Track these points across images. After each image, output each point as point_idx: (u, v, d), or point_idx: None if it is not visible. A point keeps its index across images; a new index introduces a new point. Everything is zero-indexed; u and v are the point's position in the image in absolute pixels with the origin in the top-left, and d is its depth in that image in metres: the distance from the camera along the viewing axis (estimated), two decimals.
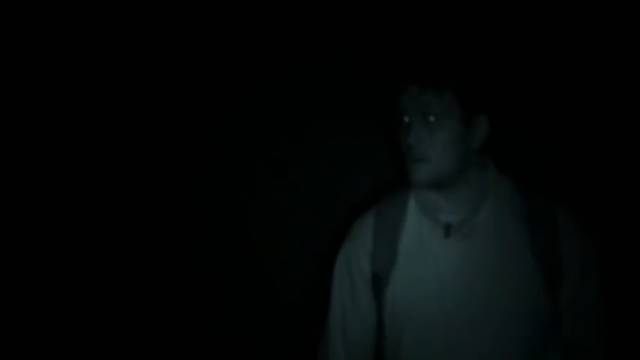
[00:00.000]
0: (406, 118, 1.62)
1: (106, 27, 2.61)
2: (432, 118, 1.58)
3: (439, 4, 2.43)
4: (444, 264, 1.64)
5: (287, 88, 2.59)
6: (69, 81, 2.63)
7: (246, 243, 2.64)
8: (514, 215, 1.65)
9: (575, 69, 2.44)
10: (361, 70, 2.52)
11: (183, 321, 2.65)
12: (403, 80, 1.63)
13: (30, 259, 2.64)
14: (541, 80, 2.44)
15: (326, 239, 2.39)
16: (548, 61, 2.45)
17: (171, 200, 2.66)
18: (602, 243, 1.71)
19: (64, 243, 2.65)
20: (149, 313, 2.65)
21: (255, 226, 2.63)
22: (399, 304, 1.68)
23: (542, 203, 1.67)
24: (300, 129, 2.60)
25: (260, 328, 2.62)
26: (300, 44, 2.56)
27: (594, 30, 2.41)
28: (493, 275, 1.62)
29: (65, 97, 2.64)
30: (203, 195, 2.66)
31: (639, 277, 2.31)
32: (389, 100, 1.68)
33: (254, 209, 2.64)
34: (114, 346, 2.64)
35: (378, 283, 1.70)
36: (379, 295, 1.71)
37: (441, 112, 1.58)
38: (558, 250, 1.63)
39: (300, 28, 2.55)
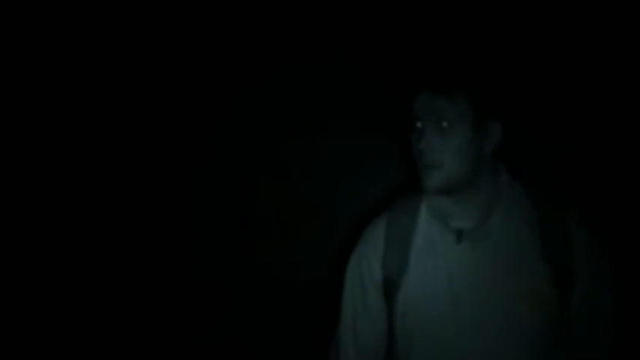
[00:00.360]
0: (418, 124, 1.62)
1: (106, 27, 2.59)
2: (444, 124, 1.58)
3: (452, 9, 2.42)
4: (455, 269, 1.64)
5: (298, 90, 2.58)
6: (68, 81, 2.62)
7: (253, 245, 2.63)
8: (526, 221, 1.66)
9: (587, 75, 2.42)
10: (373, 74, 2.52)
11: (188, 322, 2.64)
12: (416, 86, 1.63)
13: (29, 260, 2.63)
14: (554, 86, 2.43)
15: (336, 243, 2.40)
16: (561, 66, 2.43)
17: (179, 200, 2.64)
18: (614, 248, 1.70)
19: (64, 242, 2.64)
20: (154, 313, 2.65)
21: (264, 229, 2.63)
22: (410, 309, 1.68)
23: (554, 209, 1.67)
24: (310, 131, 2.59)
25: (269, 331, 2.61)
26: (312, 46, 2.55)
27: (610, 35, 2.40)
28: (505, 281, 1.62)
29: (65, 97, 2.62)
30: (211, 196, 2.64)
31: None
32: (401, 105, 1.69)
33: (262, 212, 2.63)
34: (122, 346, 2.64)
35: (390, 287, 1.71)
36: (390, 299, 1.71)
37: (453, 117, 1.58)
38: (570, 255, 1.63)
39: (312, 30, 2.54)
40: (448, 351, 1.64)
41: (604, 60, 2.42)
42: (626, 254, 1.95)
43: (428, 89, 1.60)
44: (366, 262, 1.75)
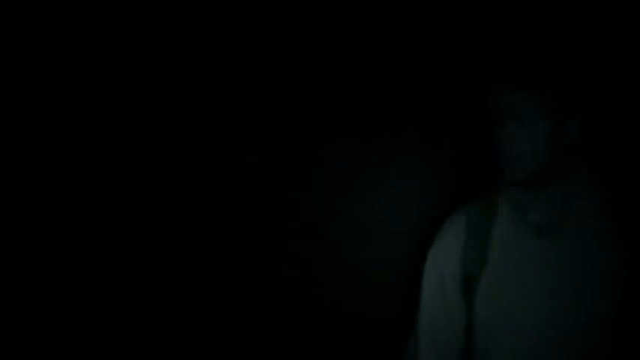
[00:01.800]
0: (499, 118, 1.63)
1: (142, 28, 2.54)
2: (524, 118, 1.59)
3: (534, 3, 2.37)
4: (534, 264, 1.65)
5: (368, 87, 2.56)
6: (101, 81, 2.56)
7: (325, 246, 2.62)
8: (604, 217, 1.66)
9: None
10: (452, 68, 2.48)
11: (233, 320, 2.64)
12: (497, 80, 1.63)
13: (44, 260, 2.56)
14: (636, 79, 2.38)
15: (414, 239, 2.39)
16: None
17: (241, 200, 2.63)
18: None
19: (86, 240, 2.57)
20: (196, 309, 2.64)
21: (335, 227, 2.61)
22: (489, 305, 1.68)
23: (632, 204, 1.67)
24: (383, 126, 2.57)
25: (343, 333, 2.60)
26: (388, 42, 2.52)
27: None
28: (583, 276, 1.62)
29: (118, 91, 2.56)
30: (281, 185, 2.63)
31: None
32: (483, 99, 1.69)
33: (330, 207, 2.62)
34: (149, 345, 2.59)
35: (469, 282, 1.71)
36: (469, 294, 1.71)
37: (533, 111, 1.60)
38: None
39: (376, 24, 2.52)
40: (527, 347, 1.63)
41: None
42: None
43: (509, 83, 1.60)
44: (446, 258, 1.76)
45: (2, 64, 2.53)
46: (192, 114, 2.59)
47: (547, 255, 1.64)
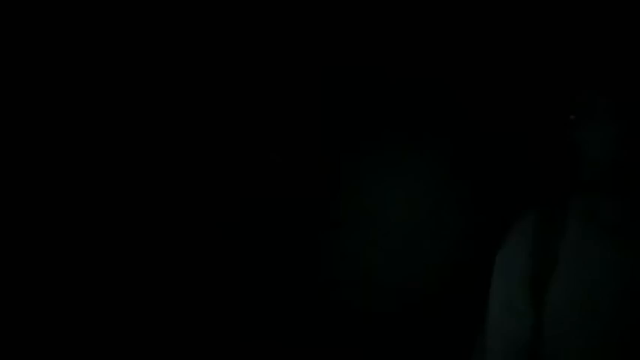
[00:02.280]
0: (571, 118, 1.70)
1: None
2: (596, 118, 1.67)
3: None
4: (605, 265, 1.66)
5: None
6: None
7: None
8: None
9: None
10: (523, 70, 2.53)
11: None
12: (572, 81, 1.71)
13: (44, 259, 2.52)
14: None
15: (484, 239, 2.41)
16: None
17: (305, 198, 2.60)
18: None
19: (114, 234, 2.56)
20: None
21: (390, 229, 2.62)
22: (558, 305, 1.70)
23: None
24: (383, 126, 2.61)
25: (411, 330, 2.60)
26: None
27: None
28: None
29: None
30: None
31: None
32: (558, 101, 1.77)
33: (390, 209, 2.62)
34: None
35: (538, 283, 1.76)
36: (538, 295, 1.77)
37: (605, 112, 1.66)
38: None
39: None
40: (597, 346, 1.65)
41: None
42: None
43: (584, 84, 1.68)
44: (515, 259, 1.77)
45: (2, 64, 2.49)
46: (193, 114, 2.58)
47: (618, 255, 1.65)
